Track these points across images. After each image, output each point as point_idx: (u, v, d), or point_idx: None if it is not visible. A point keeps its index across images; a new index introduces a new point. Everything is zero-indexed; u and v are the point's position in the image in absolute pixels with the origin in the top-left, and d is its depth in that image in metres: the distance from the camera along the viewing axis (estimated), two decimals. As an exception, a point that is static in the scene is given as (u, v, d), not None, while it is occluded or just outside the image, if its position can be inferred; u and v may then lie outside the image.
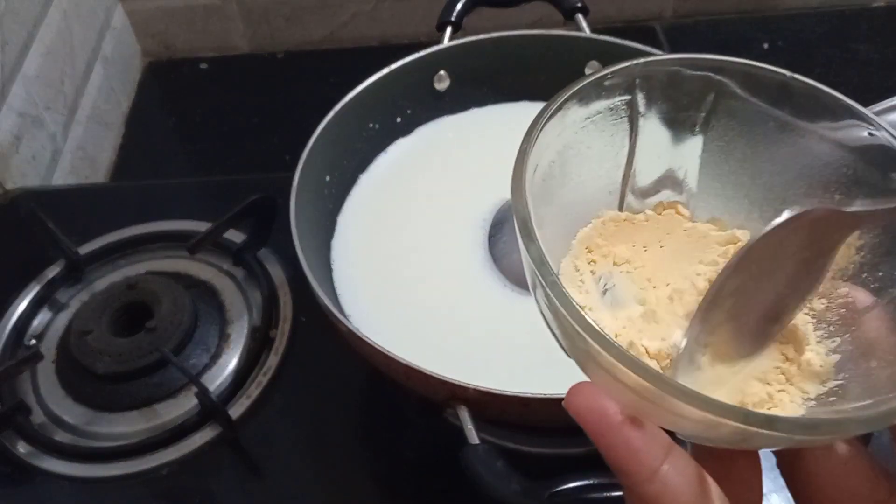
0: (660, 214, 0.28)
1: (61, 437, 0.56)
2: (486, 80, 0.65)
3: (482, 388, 0.42)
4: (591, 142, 0.26)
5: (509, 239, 0.56)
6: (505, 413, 0.46)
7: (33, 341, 0.62)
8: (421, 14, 0.93)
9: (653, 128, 0.27)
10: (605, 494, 0.41)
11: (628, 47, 0.61)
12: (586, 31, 0.63)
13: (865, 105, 0.25)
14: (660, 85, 0.26)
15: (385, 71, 0.60)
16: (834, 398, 0.23)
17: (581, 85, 0.25)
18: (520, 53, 0.63)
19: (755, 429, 0.19)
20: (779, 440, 0.20)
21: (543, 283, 0.21)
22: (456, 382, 0.42)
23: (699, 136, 0.27)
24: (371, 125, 0.62)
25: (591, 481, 0.41)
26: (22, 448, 0.56)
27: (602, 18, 0.92)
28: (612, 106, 0.26)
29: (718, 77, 0.26)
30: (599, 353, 0.20)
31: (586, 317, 0.20)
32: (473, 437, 0.43)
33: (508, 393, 0.42)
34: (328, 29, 0.96)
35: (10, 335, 0.62)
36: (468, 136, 0.64)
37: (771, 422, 0.19)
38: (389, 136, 0.64)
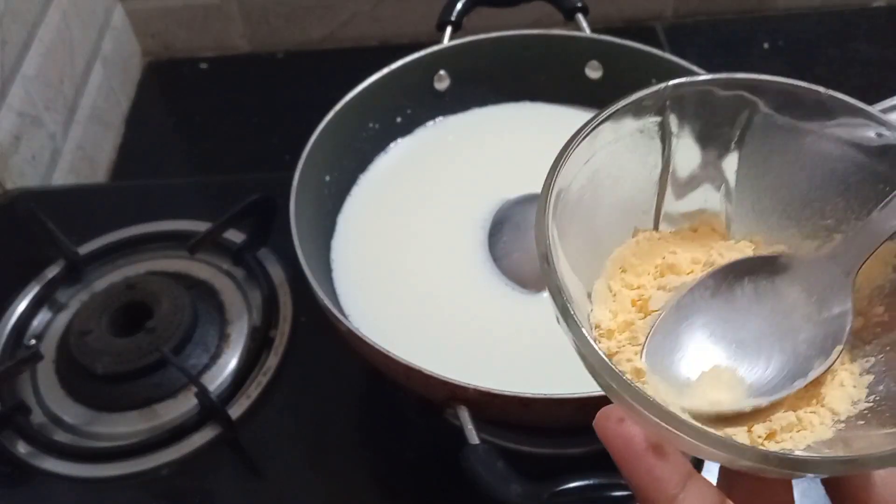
0: (695, 232, 0.28)
1: (61, 437, 0.56)
2: (486, 80, 0.65)
3: (482, 388, 0.42)
4: (622, 163, 0.27)
5: (509, 239, 0.56)
6: (505, 413, 0.46)
7: (33, 341, 0.62)
8: (421, 14, 0.92)
9: (687, 146, 0.27)
10: (605, 494, 0.41)
11: (628, 47, 0.61)
12: (586, 31, 0.63)
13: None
14: (692, 105, 0.26)
15: (385, 71, 0.60)
16: (862, 421, 0.23)
17: (608, 113, 0.25)
18: (520, 53, 0.63)
19: (767, 466, 0.20)
20: (798, 475, 0.21)
21: (567, 329, 0.22)
22: (456, 382, 0.42)
23: (735, 152, 0.27)
24: (371, 125, 0.62)
25: (591, 481, 0.41)
26: (22, 448, 0.56)
27: (602, 18, 0.92)
28: (643, 128, 0.26)
29: (751, 95, 0.26)
30: (620, 395, 0.21)
31: (607, 361, 0.21)
32: (473, 437, 0.43)
33: (508, 393, 0.42)
34: (328, 29, 0.96)
35: (10, 335, 0.62)
36: (468, 136, 0.64)
37: (786, 462, 0.20)
38: (389, 136, 0.64)
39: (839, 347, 0.24)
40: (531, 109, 0.66)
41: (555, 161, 0.24)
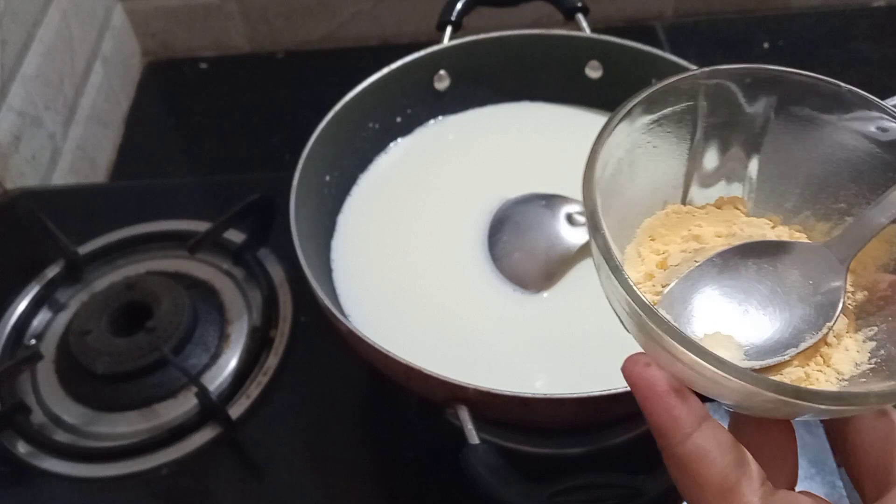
0: (720, 208, 0.30)
1: (61, 437, 0.56)
2: (486, 80, 0.65)
3: (482, 388, 0.42)
4: (657, 142, 0.29)
5: (509, 239, 0.56)
6: (505, 413, 0.46)
7: (33, 341, 0.62)
8: (421, 14, 0.93)
9: (715, 130, 0.30)
10: (604, 494, 0.41)
11: (628, 47, 0.61)
12: (587, 31, 0.63)
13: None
14: (722, 92, 0.29)
15: (385, 71, 0.60)
16: (864, 379, 0.25)
17: (648, 92, 0.28)
18: (520, 53, 0.63)
19: (783, 397, 0.22)
20: (806, 409, 0.23)
21: (608, 270, 0.24)
22: (456, 382, 0.42)
23: (759, 138, 0.30)
24: (371, 125, 0.62)
25: (591, 481, 0.41)
26: (22, 448, 0.56)
27: (602, 18, 0.92)
28: (677, 110, 0.29)
29: (776, 86, 0.28)
30: (653, 329, 0.23)
31: (642, 297, 0.23)
32: (473, 437, 0.43)
33: (508, 393, 0.42)
34: (328, 29, 0.96)
35: (10, 335, 0.62)
36: (468, 136, 0.64)
37: (797, 392, 0.22)
38: (389, 136, 0.64)
39: (829, 324, 0.26)
40: (531, 109, 0.66)
41: (599, 134, 0.27)
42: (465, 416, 0.44)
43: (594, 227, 0.25)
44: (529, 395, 0.42)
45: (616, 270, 0.24)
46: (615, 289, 0.24)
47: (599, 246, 0.25)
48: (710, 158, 0.30)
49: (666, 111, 0.28)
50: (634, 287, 0.24)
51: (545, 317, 0.52)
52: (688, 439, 0.23)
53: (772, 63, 0.28)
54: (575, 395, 0.41)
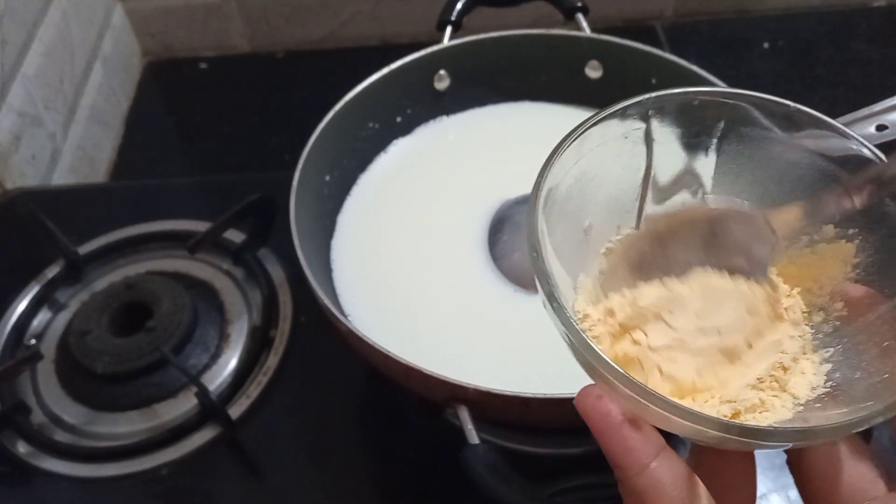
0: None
1: (61, 437, 0.56)
2: (486, 80, 0.65)
3: (482, 388, 0.42)
4: (608, 166, 0.29)
5: (509, 239, 0.56)
6: (505, 413, 0.46)
7: (33, 341, 0.62)
8: (421, 14, 0.93)
9: (668, 151, 0.29)
10: (604, 494, 0.41)
11: (628, 47, 0.61)
12: (586, 31, 0.63)
13: (866, 104, 0.26)
14: (673, 114, 0.28)
15: (385, 71, 0.60)
16: (819, 404, 0.25)
17: (599, 118, 0.27)
18: (520, 53, 0.63)
19: (734, 437, 0.22)
20: (754, 445, 0.23)
21: (551, 311, 0.24)
22: (456, 382, 0.42)
23: (712, 157, 0.29)
24: (371, 125, 0.62)
25: (591, 481, 0.41)
26: (22, 448, 0.56)
27: (602, 18, 0.92)
28: (627, 134, 0.28)
29: (727, 107, 0.28)
30: (598, 371, 0.23)
31: (587, 339, 0.24)
32: (473, 437, 0.43)
33: (508, 393, 0.42)
34: (328, 29, 0.96)
35: (10, 335, 0.62)
36: (468, 136, 0.64)
37: (746, 431, 0.22)
38: (389, 136, 0.64)
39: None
40: (531, 109, 0.66)
41: (546, 160, 0.26)
42: (465, 416, 0.44)
43: (536, 263, 0.25)
44: (529, 395, 0.42)
45: (559, 310, 0.24)
46: (558, 324, 0.24)
47: (543, 288, 0.24)
48: (664, 179, 0.30)
49: (616, 135, 0.28)
50: (578, 327, 0.24)
51: (545, 316, 0.52)
52: (644, 471, 0.23)
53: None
54: (575, 395, 0.41)
